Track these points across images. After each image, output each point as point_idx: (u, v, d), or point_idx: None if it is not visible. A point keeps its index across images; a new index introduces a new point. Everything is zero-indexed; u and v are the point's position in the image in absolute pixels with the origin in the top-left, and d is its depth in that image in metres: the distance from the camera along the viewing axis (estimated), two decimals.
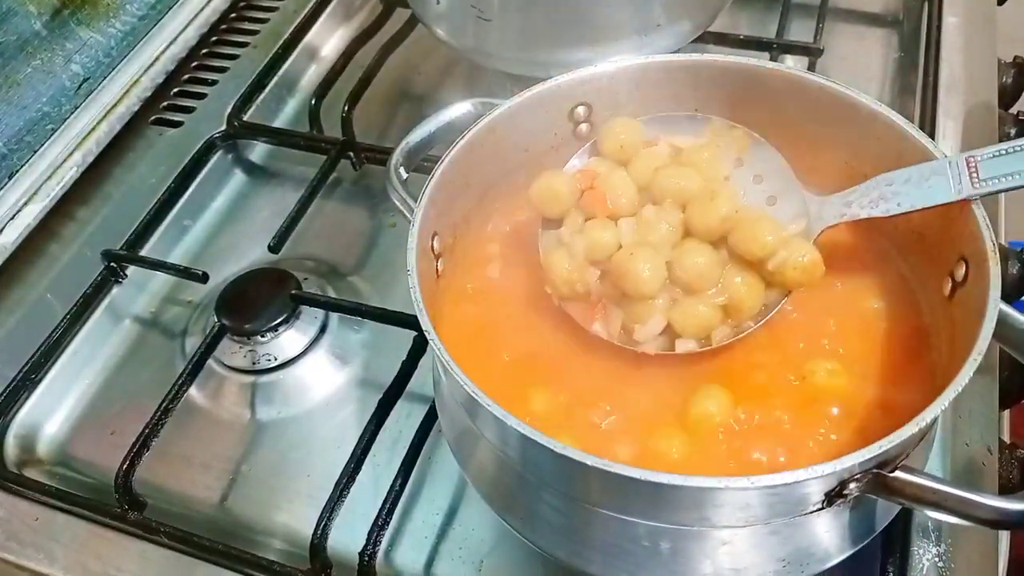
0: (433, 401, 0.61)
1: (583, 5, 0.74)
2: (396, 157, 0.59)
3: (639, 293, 0.51)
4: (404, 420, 0.65)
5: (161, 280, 0.79)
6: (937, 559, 0.55)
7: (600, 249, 0.52)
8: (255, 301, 0.72)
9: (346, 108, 0.85)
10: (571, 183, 0.55)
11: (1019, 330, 0.47)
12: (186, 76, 0.94)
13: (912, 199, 0.50)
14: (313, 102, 0.86)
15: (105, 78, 0.87)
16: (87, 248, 0.79)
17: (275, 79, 0.92)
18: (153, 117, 0.90)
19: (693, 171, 0.54)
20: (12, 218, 0.78)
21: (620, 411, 0.51)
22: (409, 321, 0.66)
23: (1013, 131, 0.79)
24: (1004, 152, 0.48)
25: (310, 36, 0.96)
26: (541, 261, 0.54)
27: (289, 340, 0.71)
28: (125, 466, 0.62)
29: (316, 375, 0.71)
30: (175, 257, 0.81)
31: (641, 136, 0.57)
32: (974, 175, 0.49)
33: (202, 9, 0.96)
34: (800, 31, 0.88)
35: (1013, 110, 0.83)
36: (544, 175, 0.55)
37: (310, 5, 0.97)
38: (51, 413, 0.72)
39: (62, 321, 0.73)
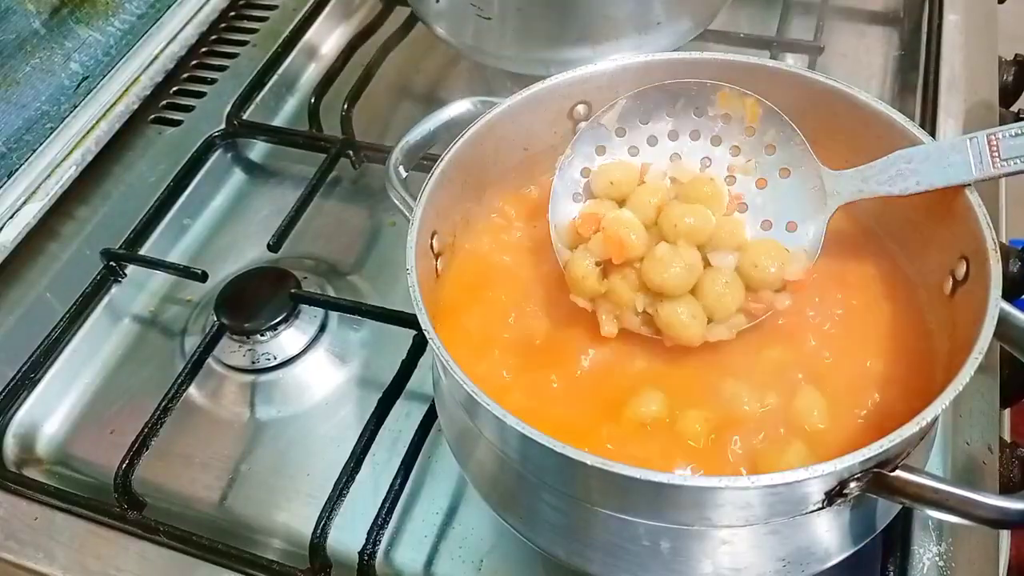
0: (433, 400, 0.61)
1: (583, 3, 0.74)
2: (395, 156, 0.59)
3: (685, 341, 0.52)
4: (404, 419, 0.65)
5: (160, 279, 0.79)
6: (938, 558, 0.55)
7: (627, 299, 0.53)
8: (254, 300, 0.72)
9: (345, 107, 0.84)
10: (594, 273, 0.53)
11: (1020, 329, 0.47)
12: (185, 75, 0.94)
13: (931, 178, 0.50)
14: (312, 101, 0.86)
15: (104, 77, 0.87)
16: (86, 247, 0.79)
17: (274, 78, 0.92)
18: (152, 116, 0.90)
19: (704, 210, 0.53)
20: (11, 217, 0.78)
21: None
22: (409, 320, 0.66)
23: None
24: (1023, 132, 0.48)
25: (309, 34, 0.96)
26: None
27: (289, 339, 0.71)
28: (124, 465, 0.62)
29: (316, 374, 0.70)
30: (174, 256, 0.81)
31: (632, 173, 0.56)
32: (995, 154, 0.48)
33: (201, 7, 0.95)
34: (800, 29, 0.88)
35: (1014, 108, 0.83)
36: (570, 267, 0.54)
37: (309, 3, 0.97)
38: (50, 412, 0.72)
39: (61, 320, 0.73)
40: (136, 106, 0.88)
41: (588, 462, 0.40)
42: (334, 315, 0.73)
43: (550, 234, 0.56)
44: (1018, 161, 0.48)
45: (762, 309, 0.53)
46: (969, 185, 0.49)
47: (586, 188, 0.57)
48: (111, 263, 0.77)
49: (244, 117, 0.87)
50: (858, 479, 0.41)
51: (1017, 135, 0.48)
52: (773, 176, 0.55)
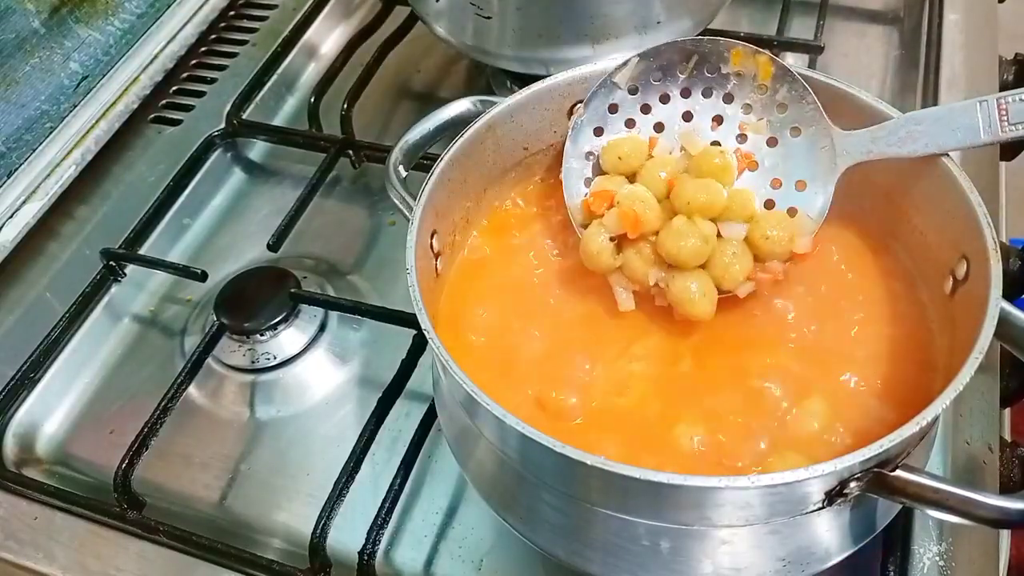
0: (433, 400, 0.61)
1: (583, 2, 0.74)
2: (395, 155, 0.59)
3: (695, 316, 0.53)
4: (404, 419, 0.65)
5: (160, 279, 0.79)
6: (938, 558, 0.55)
7: (641, 272, 0.54)
8: (254, 300, 0.71)
9: (345, 106, 0.84)
10: (608, 247, 0.54)
11: (1020, 328, 0.47)
12: (185, 74, 0.94)
13: (940, 140, 0.50)
14: (312, 100, 0.86)
15: (104, 76, 0.87)
16: (86, 247, 0.79)
17: (274, 77, 0.92)
18: (152, 115, 0.90)
19: (715, 184, 0.54)
20: (11, 216, 0.78)
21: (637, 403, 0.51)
22: (408, 319, 0.66)
23: None
24: None
25: (309, 34, 0.95)
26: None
27: (288, 339, 0.71)
28: (124, 465, 0.62)
29: (315, 374, 0.70)
30: (174, 256, 0.80)
31: (640, 147, 0.57)
32: (1004, 118, 0.48)
33: (201, 7, 0.95)
34: (801, 28, 0.87)
35: None
36: (585, 242, 0.55)
37: (309, 3, 0.97)
38: (50, 412, 0.72)
39: (61, 320, 0.73)
40: (136, 106, 0.88)
41: (588, 462, 0.40)
42: (334, 315, 0.73)
43: (564, 202, 0.57)
44: None
45: (770, 279, 0.54)
46: (965, 149, 0.50)
47: (598, 152, 0.58)
48: (111, 263, 0.77)
49: (244, 117, 0.87)
50: (858, 479, 0.41)
51: None
52: (784, 135, 0.56)
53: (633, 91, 0.57)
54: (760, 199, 0.56)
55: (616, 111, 0.57)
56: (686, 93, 0.57)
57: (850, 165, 0.53)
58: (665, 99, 0.57)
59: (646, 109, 0.57)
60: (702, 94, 0.57)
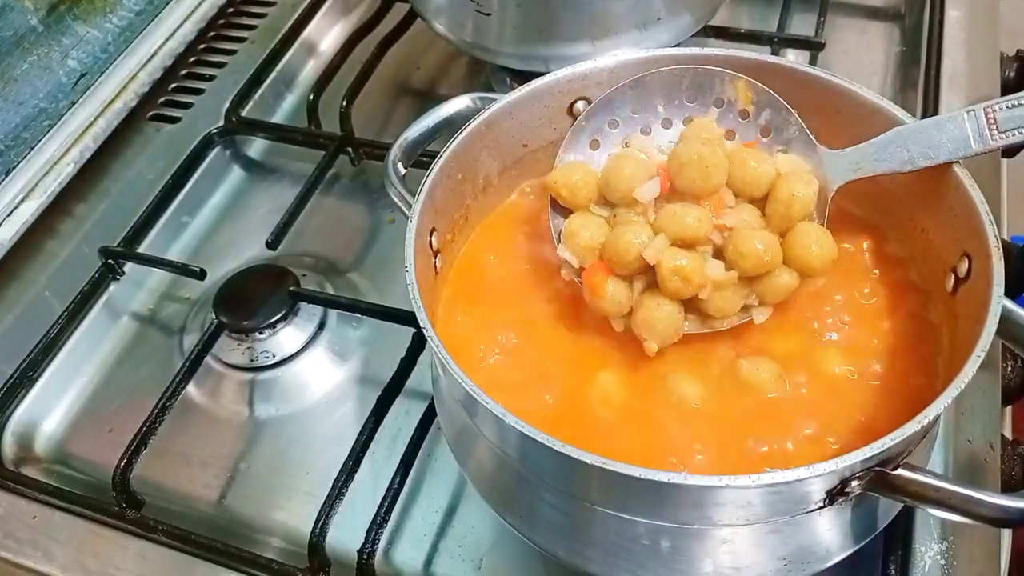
0: (432, 398, 0.61)
1: None
2: (394, 152, 0.59)
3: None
4: (403, 417, 0.65)
5: (159, 277, 0.79)
6: (939, 556, 0.54)
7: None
8: (253, 298, 0.71)
9: (344, 103, 0.84)
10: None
11: (1021, 326, 0.47)
12: (184, 72, 0.93)
13: (931, 153, 0.50)
14: (311, 97, 0.86)
15: (102, 74, 0.87)
16: (85, 245, 0.79)
17: (273, 74, 0.91)
18: (151, 113, 0.90)
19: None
20: (9, 215, 0.78)
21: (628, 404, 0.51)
22: (408, 318, 0.65)
23: None
24: (1020, 103, 0.48)
25: (308, 31, 0.95)
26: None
27: (287, 337, 0.71)
28: (123, 464, 0.62)
29: (315, 372, 0.70)
30: (173, 254, 0.80)
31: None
32: (993, 126, 0.48)
33: (199, 4, 0.95)
34: (801, 25, 0.87)
35: None
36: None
37: (308, 0, 0.97)
38: (49, 411, 0.71)
39: (60, 318, 0.73)
40: (134, 103, 0.88)
41: (588, 461, 0.40)
42: (333, 313, 0.73)
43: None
44: (1016, 132, 0.48)
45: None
46: (957, 162, 0.49)
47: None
48: (109, 261, 0.77)
49: (243, 114, 0.87)
50: (860, 478, 0.41)
51: (1013, 107, 0.48)
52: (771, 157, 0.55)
53: (613, 125, 0.57)
54: None
55: (598, 147, 0.57)
56: (667, 124, 0.57)
57: (841, 184, 0.53)
58: (647, 131, 0.57)
59: (628, 143, 0.57)
60: (683, 124, 0.56)
